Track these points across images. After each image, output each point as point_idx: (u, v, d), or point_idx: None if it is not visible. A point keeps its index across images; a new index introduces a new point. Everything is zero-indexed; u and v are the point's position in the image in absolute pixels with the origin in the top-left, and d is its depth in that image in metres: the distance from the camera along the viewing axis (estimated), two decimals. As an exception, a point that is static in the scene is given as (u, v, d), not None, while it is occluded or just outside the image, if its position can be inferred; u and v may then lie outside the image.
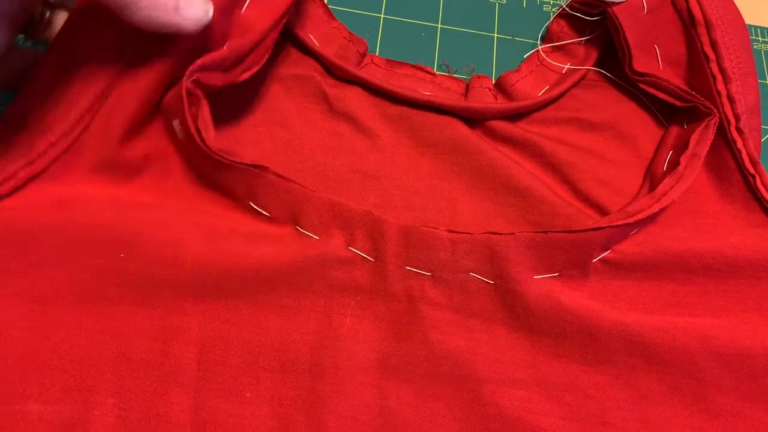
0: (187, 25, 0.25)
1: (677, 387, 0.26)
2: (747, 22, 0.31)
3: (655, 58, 0.32)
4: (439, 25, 0.37)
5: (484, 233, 0.26)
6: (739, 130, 0.29)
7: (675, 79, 0.31)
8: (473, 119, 0.32)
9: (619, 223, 0.27)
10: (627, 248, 0.28)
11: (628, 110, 0.33)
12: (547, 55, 0.34)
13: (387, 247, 0.26)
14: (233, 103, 0.31)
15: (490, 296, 0.27)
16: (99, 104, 0.27)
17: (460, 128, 0.31)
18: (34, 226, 0.25)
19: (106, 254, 0.25)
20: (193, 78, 0.26)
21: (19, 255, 0.25)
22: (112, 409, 0.24)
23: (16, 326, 0.25)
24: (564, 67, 0.34)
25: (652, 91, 0.31)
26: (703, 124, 0.29)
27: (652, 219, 0.28)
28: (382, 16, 0.37)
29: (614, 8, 0.31)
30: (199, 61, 0.26)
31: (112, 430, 0.24)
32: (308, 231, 0.26)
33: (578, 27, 0.34)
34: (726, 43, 0.30)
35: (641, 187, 0.31)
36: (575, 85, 0.33)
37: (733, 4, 0.31)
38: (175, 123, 0.27)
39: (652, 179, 0.31)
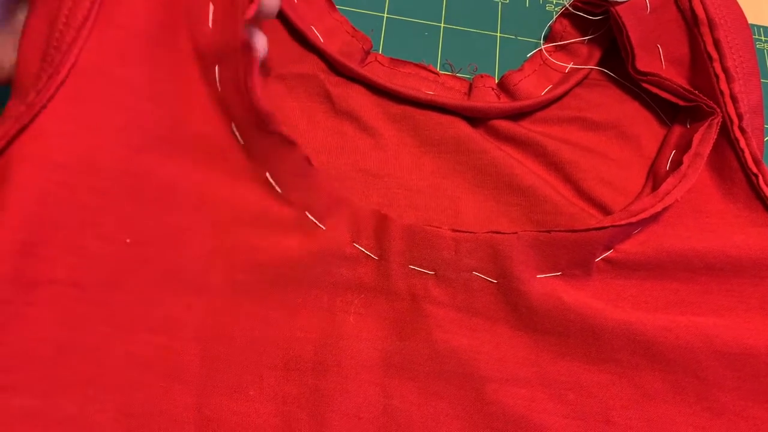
0: None
1: (680, 386, 0.26)
2: (750, 21, 0.31)
3: (658, 58, 0.32)
4: (443, 25, 0.37)
5: (488, 232, 0.26)
6: (742, 130, 0.29)
7: (678, 78, 0.31)
8: (476, 118, 0.32)
9: (622, 222, 0.27)
10: (630, 247, 0.28)
11: (631, 110, 0.33)
12: (550, 55, 0.34)
13: (391, 245, 0.26)
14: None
15: (493, 295, 0.27)
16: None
17: (463, 127, 0.31)
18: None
19: (110, 236, 0.24)
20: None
21: None
22: (112, 404, 0.24)
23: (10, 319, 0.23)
24: (567, 67, 0.34)
25: (655, 90, 0.31)
26: (706, 124, 0.29)
27: (654, 218, 0.28)
28: (386, 15, 0.37)
29: (617, 7, 0.31)
30: (253, 8, 0.24)
31: (113, 425, 0.23)
32: (316, 219, 0.26)
33: (581, 26, 0.34)
34: (729, 43, 0.30)
35: (644, 187, 0.31)
36: (578, 84, 0.33)
37: (736, 4, 0.31)
38: (217, 69, 0.26)
39: (654, 178, 0.31)
